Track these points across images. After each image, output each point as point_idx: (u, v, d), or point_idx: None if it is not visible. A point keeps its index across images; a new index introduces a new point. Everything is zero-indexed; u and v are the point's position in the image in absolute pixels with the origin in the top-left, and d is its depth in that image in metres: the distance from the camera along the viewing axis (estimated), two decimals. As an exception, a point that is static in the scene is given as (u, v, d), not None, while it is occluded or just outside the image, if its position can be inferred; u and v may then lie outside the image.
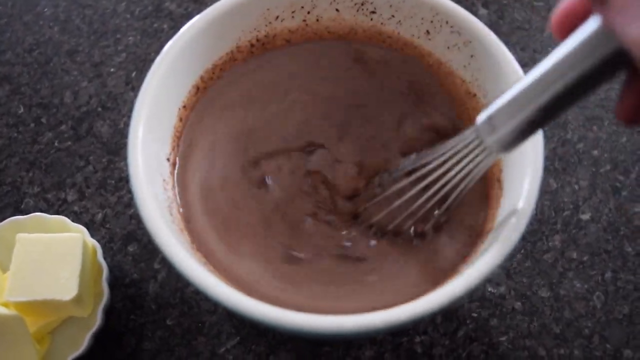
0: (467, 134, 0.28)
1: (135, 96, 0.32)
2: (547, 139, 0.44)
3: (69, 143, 0.45)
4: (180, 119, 0.35)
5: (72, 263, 0.34)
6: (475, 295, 0.38)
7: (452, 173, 0.29)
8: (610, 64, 0.21)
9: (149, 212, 0.28)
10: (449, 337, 0.37)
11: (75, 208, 0.42)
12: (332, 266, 0.32)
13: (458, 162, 0.29)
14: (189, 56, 0.34)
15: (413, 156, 0.33)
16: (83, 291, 0.34)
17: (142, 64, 0.48)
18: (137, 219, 0.41)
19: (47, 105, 0.46)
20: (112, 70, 0.48)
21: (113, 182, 0.43)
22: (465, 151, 0.28)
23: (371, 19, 0.38)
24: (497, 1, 0.51)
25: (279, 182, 0.35)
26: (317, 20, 0.38)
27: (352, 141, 0.36)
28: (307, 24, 0.38)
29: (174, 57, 0.33)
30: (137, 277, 0.39)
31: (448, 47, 0.36)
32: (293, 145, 0.36)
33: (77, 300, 0.34)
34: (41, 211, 0.40)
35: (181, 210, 0.33)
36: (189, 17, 0.37)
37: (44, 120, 0.46)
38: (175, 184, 0.34)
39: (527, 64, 0.47)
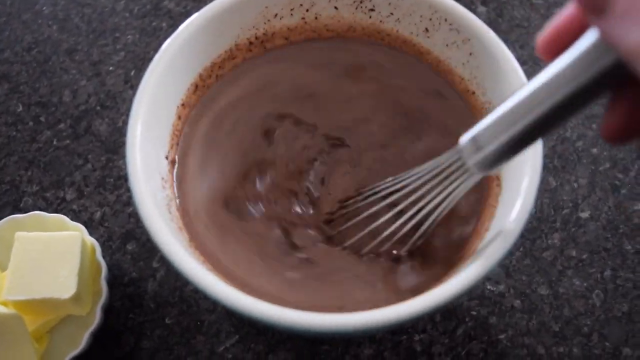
0: (449, 155, 0.28)
1: (134, 95, 0.32)
2: (546, 137, 0.44)
3: (68, 142, 0.45)
4: (179, 117, 0.35)
5: (70, 261, 0.34)
6: (475, 293, 0.38)
7: (431, 196, 0.29)
8: (604, 80, 0.21)
9: (147, 210, 0.28)
10: (448, 335, 0.37)
11: (74, 206, 0.42)
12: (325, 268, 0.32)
13: (438, 184, 0.29)
14: (188, 54, 0.34)
15: (390, 178, 0.32)
16: (82, 290, 0.34)
17: (141, 63, 0.48)
18: (135, 218, 0.41)
19: (45, 104, 0.46)
20: (110, 68, 0.48)
21: (112, 180, 0.43)
22: (446, 173, 0.28)
23: (370, 17, 0.38)
24: (496, -1, 0.51)
25: (275, 183, 0.35)
26: (316, 18, 0.38)
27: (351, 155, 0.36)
28: (305, 22, 0.38)
29: (172, 55, 0.33)
30: (135, 275, 0.39)
31: (447, 45, 0.36)
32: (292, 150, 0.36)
33: (76, 298, 0.34)
34: (40, 210, 0.40)
35: (180, 208, 0.33)
36: (188, 15, 0.37)
37: (42, 118, 0.46)
38: (174, 183, 0.34)
39: (526, 62, 0.47)
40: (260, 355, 0.37)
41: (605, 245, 0.40)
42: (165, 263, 0.39)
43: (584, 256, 0.40)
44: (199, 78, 0.36)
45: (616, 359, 0.37)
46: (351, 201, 0.34)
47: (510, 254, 0.39)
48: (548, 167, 0.43)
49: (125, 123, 0.36)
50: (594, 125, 0.45)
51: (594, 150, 0.44)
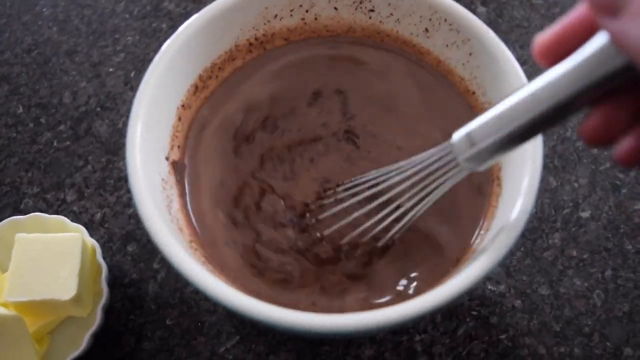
0: (440, 149, 0.28)
1: (134, 96, 0.32)
2: (547, 137, 0.44)
3: (68, 143, 0.45)
4: (179, 119, 0.35)
5: (71, 263, 0.34)
6: (475, 293, 0.38)
7: (417, 189, 0.29)
8: (609, 82, 0.21)
9: (148, 211, 0.28)
10: (449, 335, 0.37)
11: (74, 208, 0.42)
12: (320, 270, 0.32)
13: (425, 177, 0.29)
14: (188, 55, 0.34)
15: (373, 171, 0.32)
16: (82, 291, 0.34)
17: (141, 64, 0.48)
18: (136, 219, 0.41)
19: (46, 105, 0.46)
20: (110, 70, 0.48)
21: (112, 181, 0.43)
22: (435, 166, 0.28)
23: (370, 17, 0.38)
24: (496, -1, 0.51)
25: (275, 185, 0.35)
26: (316, 18, 0.38)
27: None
28: (305, 23, 0.38)
29: (172, 56, 0.33)
30: (136, 276, 0.39)
31: (447, 45, 0.36)
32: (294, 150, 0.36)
33: (76, 300, 0.34)
34: (40, 211, 0.40)
35: (180, 208, 0.33)
36: (188, 16, 0.37)
37: (42, 120, 0.46)
38: (175, 184, 0.34)
39: (526, 62, 0.47)
40: (261, 356, 0.37)
41: (606, 245, 0.40)
42: (166, 264, 0.39)
43: (585, 256, 0.40)
44: (199, 79, 0.36)
45: (617, 359, 0.37)
46: (331, 191, 0.34)
47: (510, 253, 0.39)
48: (548, 167, 0.43)
49: (126, 124, 0.36)
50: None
51: (594, 150, 0.44)
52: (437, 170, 0.28)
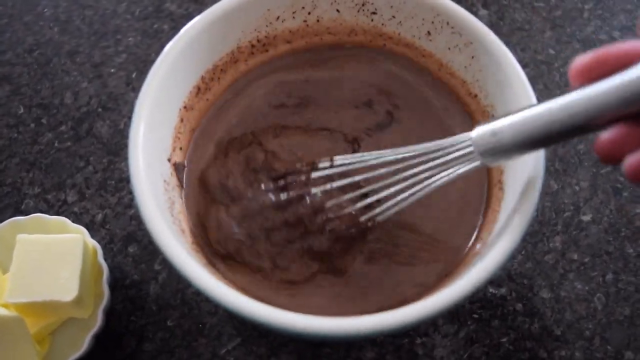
0: (458, 138, 0.28)
1: (136, 97, 0.32)
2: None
3: (69, 144, 0.44)
4: (182, 120, 0.35)
5: (72, 264, 0.34)
6: (476, 296, 0.38)
7: (422, 168, 0.29)
8: None
9: (149, 212, 0.28)
10: (450, 338, 0.37)
11: (76, 209, 0.42)
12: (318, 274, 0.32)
13: (437, 160, 0.29)
14: (190, 57, 0.34)
15: (388, 150, 0.31)
16: (83, 292, 0.34)
17: (143, 65, 0.48)
18: (137, 220, 0.41)
19: (47, 106, 0.46)
20: (112, 70, 0.48)
21: (113, 182, 0.43)
22: (449, 152, 0.28)
23: (372, 20, 0.38)
24: (498, 2, 0.51)
25: (280, 185, 0.35)
26: (318, 21, 0.38)
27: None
28: (307, 25, 0.38)
29: (174, 57, 0.33)
30: (137, 278, 0.39)
31: (449, 48, 0.36)
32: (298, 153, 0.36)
33: (78, 301, 0.34)
34: (41, 212, 0.40)
35: (182, 209, 0.33)
36: (190, 17, 0.37)
37: (44, 120, 0.46)
38: (176, 185, 0.34)
39: (527, 65, 0.47)
40: (262, 358, 0.37)
41: (607, 249, 0.40)
42: (167, 265, 0.39)
43: (586, 259, 0.40)
44: (201, 81, 0.36)
45: (618, 363, 0.37)
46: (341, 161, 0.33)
47: (512, 256, 0.39)
48: (549, 170, 0.43)
49: (127, 125, 0.36)
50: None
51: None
52: (449, 154, 0.28)
